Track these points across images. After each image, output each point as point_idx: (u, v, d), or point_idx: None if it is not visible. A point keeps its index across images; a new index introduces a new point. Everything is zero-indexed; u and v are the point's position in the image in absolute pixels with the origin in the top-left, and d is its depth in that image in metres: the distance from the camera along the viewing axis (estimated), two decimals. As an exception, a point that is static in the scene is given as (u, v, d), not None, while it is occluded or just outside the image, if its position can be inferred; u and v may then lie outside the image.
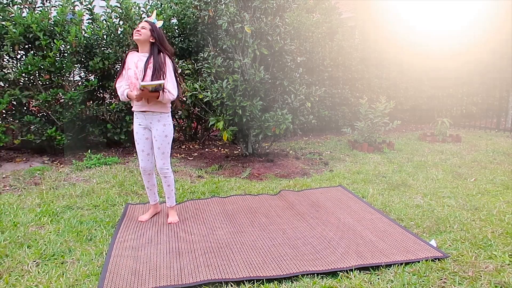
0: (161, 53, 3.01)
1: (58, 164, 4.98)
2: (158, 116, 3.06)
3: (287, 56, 5.02)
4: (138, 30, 2.96)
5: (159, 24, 3.07)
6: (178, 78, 3.10)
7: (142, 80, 2.95)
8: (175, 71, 3.08)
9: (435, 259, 2.60)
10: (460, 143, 6.45)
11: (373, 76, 7.46)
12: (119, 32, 5.49)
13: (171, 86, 2.98)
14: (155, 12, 3.18)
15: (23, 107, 5.27)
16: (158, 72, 2.95)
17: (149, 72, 2.95)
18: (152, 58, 2.97)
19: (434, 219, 3.28)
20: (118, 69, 5.74)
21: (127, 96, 3.05)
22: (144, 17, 5.70)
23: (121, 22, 5.51)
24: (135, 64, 3.01)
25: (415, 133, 7.37)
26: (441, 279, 2.39)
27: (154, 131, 3.09)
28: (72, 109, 5.13)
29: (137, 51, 3.06)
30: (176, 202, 3.47)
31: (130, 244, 2.83)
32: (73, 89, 5.26)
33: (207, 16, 5.19)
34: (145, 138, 3.17)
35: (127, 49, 5.38)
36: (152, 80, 2.92)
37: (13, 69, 4.99)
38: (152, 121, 3.08)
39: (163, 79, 2.95)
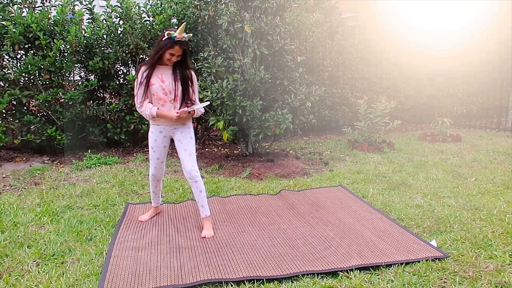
0: (185, 66, 2.94)
1: (58, 164, 4.98)
2: (182, 126, 3.02)
3: (287, 56, 5.01)
4: (173, 62, 2.87)
5: (189, 36, 2.90)
6: None
7: (175, 96, 2.92)
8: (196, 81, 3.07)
9: (436, 259, 2.60)
10: (460, 143, 6.44)
11: (373, 75, 7.45)
12: (119, 32, 5.49)
13: (199, 105, 2.96)
14: (184, 25, 2.86)
15: (23, 107, 5.27)
16: (188, 87, 2.93)
17: (179, 86, 2.90)
18: (178, 72, 2.91)
19: (434, 219, 3.28)
20: (117, 68, 5.75)
21: (156, 115, 2.92)
22: (144, 17, 5.71)
23: (121, 22, 5.51)
24: (160, 78, 2.90)
25: (416, 133, 7.36)
26: (442, 279, 2.39)
27: (178, 134, 3.01)
28: (72, 109, 5.13)
29: (151, 63, 2.91)
30: (173, 202, 3.46)
31: (130, 244, 2.83)
32: (73, 89, 5.26)
33: (207, 16, 5.18)
34: (163, 146, 3.09)
35: (127, 49, 5.39)
36: (191, 104, 2.95)
37: (13, 69, 4.99)
38: (176, 128, 3.03)
39: (193, 93, 2.96)
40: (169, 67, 2.92)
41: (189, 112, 2.88)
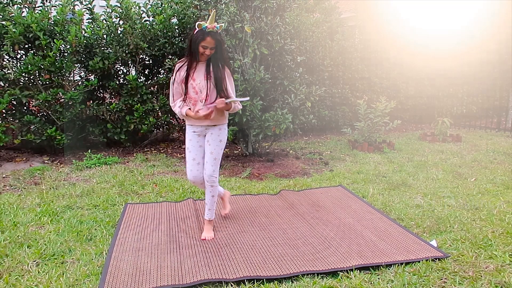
0: (219, 62, 2.76)
1: (58, 164, 4.97)
2: (218, 127, 2.90)
3: (287, 56, 5.01)
4: (207, 55, 2.70)
5: (221, 27, 2.70)
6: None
7: (206, 95, 2.77)
8: (232, 76, 2.90)
9: (436, 259, 2.60)
10: (460, 143, 6.44)
11: (373, 75, 7.45)
12: (119, 32, 5.49)
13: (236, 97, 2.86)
14: (214, 12, 2.65)
15: (23, 106, 5.27)
16: (221, 85, 2.75)
17: (210, 84, 2.75)
18: (211, 69, 2.75)
19: (434, 219, 3.28)
20: (117, 68, 5.75)
21: (186, 114, 2.83)
22: (144, 17, 5.71)
23: (121, 22, 5.51)
24: (191, 76, 2.78)
25: (416, 133, 7.36)
26: (442, 279, 2.39)
27: (209, 134, 2.89)
28: (72, 108, 5.13)
29: (186, 59, 2.80)
30: (173, 201, 3.46)
31: (130, 244, 2.83)
32: (73, 89, 5.26)
33: (207, 16, 5.18)
34: (199, 146, 2.94)
35: (127, 49, 5.38)
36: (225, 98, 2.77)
37: (13, 69, 4.99)
38: (208, 129, 2.90)
39: (226, 90, 2.77)
40: (203, 63, 2.77)
41: (226, 103, 2.68)
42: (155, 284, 2.31)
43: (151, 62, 5.97)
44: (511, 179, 4.39)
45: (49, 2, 5.27)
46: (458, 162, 5.15)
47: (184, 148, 2.94)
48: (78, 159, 5.12)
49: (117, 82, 5.68)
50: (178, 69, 2.82)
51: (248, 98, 2.92)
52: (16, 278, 2.36)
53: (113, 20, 5.46)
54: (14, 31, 4.66)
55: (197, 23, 2.63)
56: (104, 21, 5.46)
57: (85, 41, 5.20)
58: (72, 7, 5.25)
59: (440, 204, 3.64)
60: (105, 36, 5.40)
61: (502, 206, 3.55)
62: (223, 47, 2.75)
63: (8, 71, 4.93)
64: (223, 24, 2.72)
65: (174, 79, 2.83)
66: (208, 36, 2.63)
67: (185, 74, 2.78)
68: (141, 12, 5.66)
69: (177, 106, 2.86)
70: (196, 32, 2.65)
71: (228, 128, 4.82)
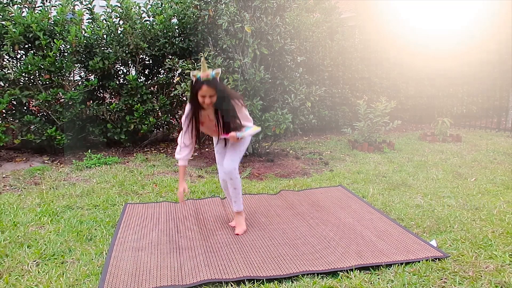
0: (223, 107, 2.75)
1: (58, 164, 4.98)
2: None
3: (287, 56, 5.01)
4: (208, 104, 2.67)
5: (217, 73, 2.64)
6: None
7: (221, 129, 2.84)
8: (244, 106, 2.88)
9: (436, 259, 2.60)
10: (460, 143, 6.44)
11: (373, 75, 7.45)
12: (119, 32, 5.49)
13: (250, 124, 2.92)
14: (203, 60, 2.64)
15: (23, 106, 5.27)
16: (229, 117, 2.76)
17: (221, 122, 2.79)
18: (219, 114, 2.78)
19: (434, 219, 3.28)
20: (117, 68, 5.75)
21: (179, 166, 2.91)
22: (145, 17, 5.71)
23: (121, 22, 5.51)
24: (207, 116, 2.83)
25: (416, 133, 7.36)
26: (442, 279, 2.39)
27: (229, 144, 3.01)
28: (72, 108, 5.13)
29: (191, 109, 2.81)
30: (173, 201, 3.44)
31: (130, 244, 2.83)
32: (73, 89, 5.26)
33: (207, 16, 5.19)
34: (223, 147, 3.09)
35: (127, 49, 5.38)
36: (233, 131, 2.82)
37: (13, 69, 4.99)
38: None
39: (238, 121, 2.81)
40: (210, 109, 2.77)
41: (237, 138, 2.81)
42: (155, 284, 2.31)
43: (151, 62, 5.97)
44: (511, 179, 4.39)
45: (49, 2, 5.27)
46: (458, 162, 5.15)
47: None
48: (78, 159, 5.12)
49: (117, 82, 5.68)
50: (188, 114, 2.81)
51: (260, 129, 2.99)
52: (16, 278, 2.37)
53: (113, 20, 5.46)
54: (14, 31, 4.66)
55: (191, 74, 2.63)
56: (104, 21, 5.46)
57: (85, 41, 5.20)
58: (72, 7, 5.25)
59: (440, 204, 3.64)
60: (105, 36, 5.40)
61: (502, 206, 3.55)
62: (224, 91, 2.72)
63: (8, 71, 4.93)
64: (219, 70, 2.65)
65: (185, 121, 2.82)
66: (204, 85, 2.60)
67: (194, 122, 2.80)
68: (141, 12, 5.66)
69: (179, 148, 2.88)
70: (193, 83, 2.65)
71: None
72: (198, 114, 2.79)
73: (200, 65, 2.62)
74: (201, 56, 2.64)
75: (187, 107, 2.82)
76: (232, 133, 2.79)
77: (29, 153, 5.39)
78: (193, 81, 2.65)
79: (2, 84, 5.04)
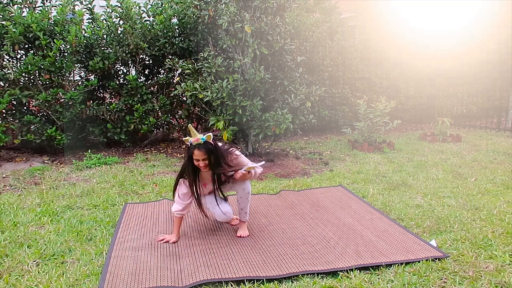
0: (219, 167, 2.75)
1: (58, 164, 4.98)
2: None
3: (287, 56, 5.01)
4: (203, 167, 2.68)
5: (208, 137, 2.66)
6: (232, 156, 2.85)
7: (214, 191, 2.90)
8: (239, 156, 2.86)
9: (435, 259, 2.60)
10: (460, 143, 6.44)
11: (373, 75, 7.45)
12: (119, 32, 5.49)
13: (254, 164, 2.89)
14: (190, 126, 2.68)
15: (23, 106, 5.27)
16: (222, 168, 2.74)
17: (216, 182, 2.83)
18: (216, 176, 2.81)
19: (434, 219, 3.28)
20: (117, 68, 5.75)
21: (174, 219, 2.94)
22: (145, 17, 5.71)
23: (121, 22, 5.51)
24: (199, 187, 2.86)
25: (416, 133, 7.36)
26: (441, 279, 2.39)
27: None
28: (72, 108, 5.13)
29: (190, 177, 2.82)
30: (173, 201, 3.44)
31: (130, 244, 2.82)
32: (73, 89, 5.26)
33: (207, 16, 5.19)
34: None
35: (127, 49, 5.38)
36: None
37: (13, 69, 4.99)
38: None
39: (229, 169, 2.78)
40: (207, 172, 2.79)
41: (243, 173, 2.77)
42: (155, 283, 2.31)
43: (151, 62, 5.98)
44: (511, 179, 4.39)
45: (49, 2, 5.27)
46: (458, 162, 5.15)
47: (185, 148, 2.96)
48: (78, 159, 5.12)
49: (117, 82, 5.68)
50: (184, 182, 2.83)
51: (263, 162, 2.93)
52: (16, 278, 2.37)
53: (113, 20, 5.46)
54: (14, 31, 4.67)
55: (184, 140, 2.65)
56: (104, 21, 5.46)
57: (85, 41, 5.20)
58: (72, 7, 5.25)
59: (440, 204, 3.64)
60: (105, 36, 5.41)
61: (502, 206, 3.55)
62: (217, 153, 2.69)
63: (8, 71, 4.93)
64: (211, 134, 2.66)
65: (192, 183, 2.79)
66: (195, 149, 2.62)
67: (195, 188, 2.79)
68: (141, 12, 5.66)
69: (176, 205, 2.88)
70: (187, 148, 2.68)
71: (228, 128, 4.84)
72: (197, 177, 2.79)
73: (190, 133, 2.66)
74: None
75: (186, 171, 2.79)
76: (238, 172, 2.77)
77: (29, 153, 5.39)
78: (187, 146, 2.69)
79: (2, 84, 5.04)
